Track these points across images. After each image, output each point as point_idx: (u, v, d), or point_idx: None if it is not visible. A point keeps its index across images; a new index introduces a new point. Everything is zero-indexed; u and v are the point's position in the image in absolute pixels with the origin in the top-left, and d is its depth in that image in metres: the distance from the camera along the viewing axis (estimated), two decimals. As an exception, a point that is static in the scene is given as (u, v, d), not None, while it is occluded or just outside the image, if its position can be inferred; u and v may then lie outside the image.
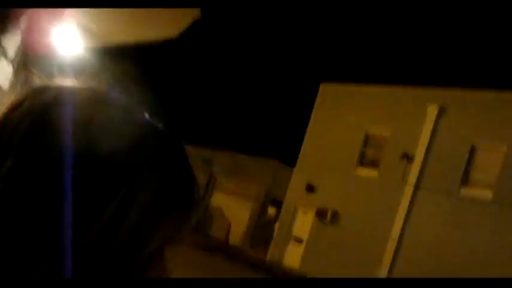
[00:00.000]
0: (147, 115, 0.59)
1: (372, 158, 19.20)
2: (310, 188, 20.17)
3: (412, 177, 17.46)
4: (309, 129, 21.42)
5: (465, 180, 16.50)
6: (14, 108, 0.54)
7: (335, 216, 19.04)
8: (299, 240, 20.18)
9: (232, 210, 24.58)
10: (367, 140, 19.43)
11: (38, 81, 0.59)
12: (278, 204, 22.16)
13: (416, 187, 17.31)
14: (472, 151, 16.51)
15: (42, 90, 0.56)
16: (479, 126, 16.34)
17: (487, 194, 15.82)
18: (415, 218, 17.08)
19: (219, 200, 25.72)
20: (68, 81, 0.59)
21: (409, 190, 17.42)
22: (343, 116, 20.09)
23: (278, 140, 35.93)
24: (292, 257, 20.06)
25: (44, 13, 4.00)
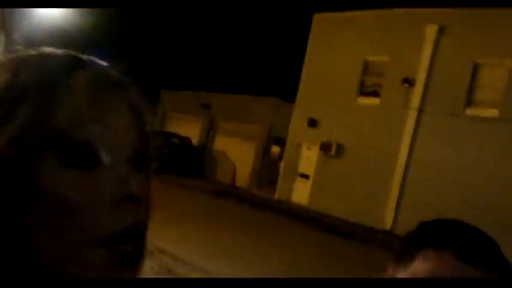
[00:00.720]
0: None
1: (373, 85, 18.82)
2: (312, 123, 19.93)
3: (415, 102, 17.13)
4: (305, 62, 20.98)
5: (470, 99, 16.16)
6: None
7: (340, 148, 18.87)
8: (305, 176, 20.10)
9: (236, 152, 24.46)
10: (366, 68, 19.00)
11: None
12: (281, 142, 21.99)
13: (420, 111, 17.00)
14: (475, 69, 16.08)
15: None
16: (481, 43, 15.83)
17: (493, 112, 15.50)
18: (421, 142, 16.87)
19: (221, 143, 25.61)
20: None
21: (412, 115, 17.13)
22: (339, 45, 19.64)
23: (275, 77, 35.46)
24: (300, 194, 20.06)
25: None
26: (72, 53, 0.61)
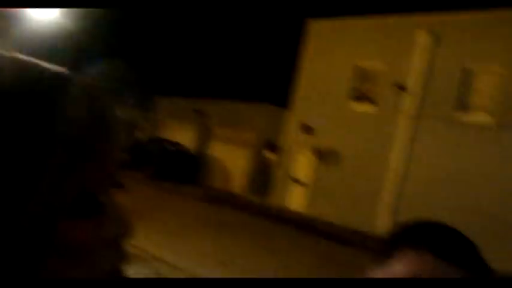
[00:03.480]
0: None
1: (366, 92, 18.89)
2: (306, 129, 19.96)
3: (409, 108, 17.20)
4: (300, 68, 21.02)
5: (463, 105, 16.23)
6: None
7: (333, 154, 18.90)
8: (299, 182, 20.12)
9: (230, 158, 24.45)
10: (359, 74, 19.06)
11: None
12: (275, 148, 21.99)
13: (414, 117, 17.06)
14: (468, 75, 16.15)
15: None
16: (473, 49, 15.93)
17: (487, 118, 15.57)
18: (415, 148, 16.93)
19: (215, 149, 25.60)
20: None
21: (406, 121, 17.19)
22: (332, 52, 19.72)
23: (268, 83, 35.50)
24: (294, 200, 20.07)
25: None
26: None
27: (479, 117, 15.71)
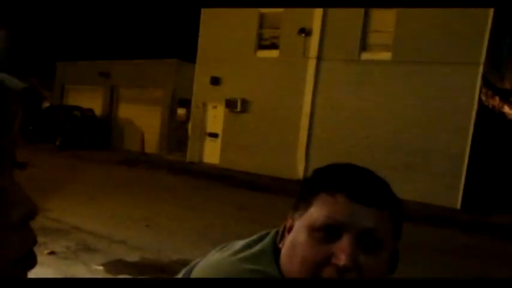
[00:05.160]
0: None
1: (270, 38, 18.99)
2: (215, 81, 19.89)
3: (313, 51, 17.51)
4: (201, 20, 20.72)
5: (364, 45, 16.73)
6: None
7: (245, 104, 19.01)
8: (214, 135, 20.20)
9: (142, 118, 24.06)
10: (262, 21, 19.08)
11: None
12: (187, 103, 21.83)
13: (319, 59, 17.40)
14: (366, 15, 16.58)
15: None
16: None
17: (386, 55, 16.18)
18: (323, 89, 17.34)
19: (125, 110, 25.07)
20: None
21: (312, 63, 17.51)
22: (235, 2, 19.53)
23: (174, 39, 34.79)
24: (211, 154, 20.17)
25: None
26: None
27: (379, 55, 16.31)
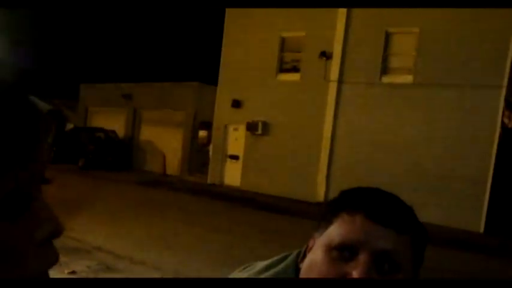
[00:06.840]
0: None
1: (292, 61, 19.08)
2: (236, 104, 20.00)
3: (334, 74, 17.54)
4: (224, 44, 20.94)
5: (385, 68, 16.73)
6: None
7: (266, 126, 19.06)
8: (235, 158, 20.24)
9: (163, 141, 24.26)
10: (283, 45, 19.21)
11: None
12: (208, 126, 21.96)
13: (340, 82, 17.42)
14: (387, 38, 16.62)
15: None
16: (390, 12, 16.33)
17: (408, 78, 16.15)
18: (343, 112, 17.33)
19: (147, 132, 25.31)
20: None
21: (332, 87, 17.53)
22: (255, 24, 19.70)
23: (196, 62, 35.17)
24: (232, 176, 20.19)
25: None
26: None
27: (400, 78, 16.28)
